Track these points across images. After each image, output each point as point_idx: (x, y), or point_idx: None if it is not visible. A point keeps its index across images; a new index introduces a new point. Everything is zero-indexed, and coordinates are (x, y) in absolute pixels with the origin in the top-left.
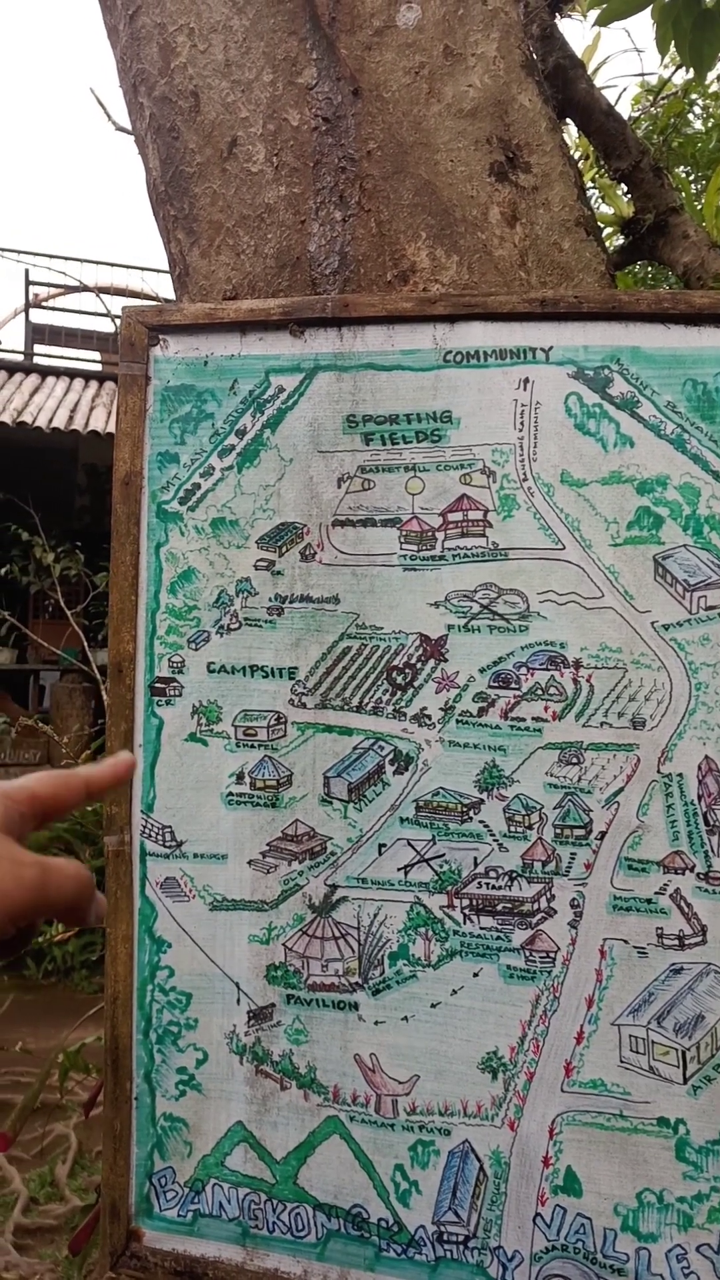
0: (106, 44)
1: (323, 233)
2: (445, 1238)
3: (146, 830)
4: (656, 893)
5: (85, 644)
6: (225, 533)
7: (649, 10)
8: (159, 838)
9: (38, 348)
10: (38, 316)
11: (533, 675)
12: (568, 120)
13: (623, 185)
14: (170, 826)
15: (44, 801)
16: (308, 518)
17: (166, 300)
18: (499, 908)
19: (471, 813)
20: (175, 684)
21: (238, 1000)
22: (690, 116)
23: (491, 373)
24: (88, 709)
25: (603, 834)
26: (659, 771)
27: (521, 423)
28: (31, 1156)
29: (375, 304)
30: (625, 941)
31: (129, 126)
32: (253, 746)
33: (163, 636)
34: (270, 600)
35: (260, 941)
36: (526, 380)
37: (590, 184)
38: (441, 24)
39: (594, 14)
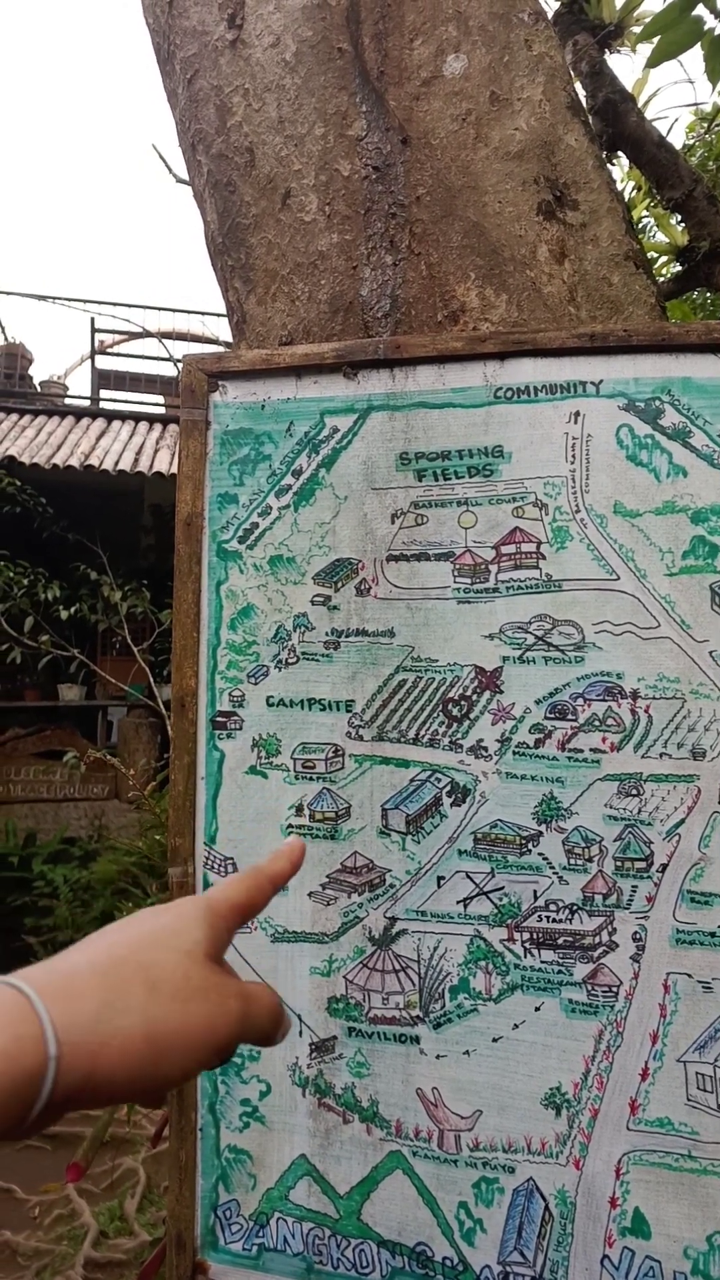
0: (166, 106)
1: (374, 277)
2: (511, 1279)
3: (209, 862)
4: None
5: (151, 679)
6: (283, 569)
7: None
8: (221, 869)
9: (103, 393)
10: (103, 362)
11: (590, 706)
12: (619, 153)
13: (676, 214)
14: (232, 858)
15: (246, 910)
16: (362, 553)
17: (225, 343)
18: (560, 941)
19: (530, 845)
20: (236, 718)
21: (300, 1032)
22: None
23: (542, 407)
24: (154, 743)
25: (664, 866)
26: None
27: (573, 455)
28: (101, 1190)
29: (426, 344)
30: (689, 976)
31: (188, 179)
32: (311, 779)
33: (223, 671)
34: (327, 634)
35: (321, 974)
36: (577, 413)
37: (644, 214)
38: (487, 71)
39: (643, 49)
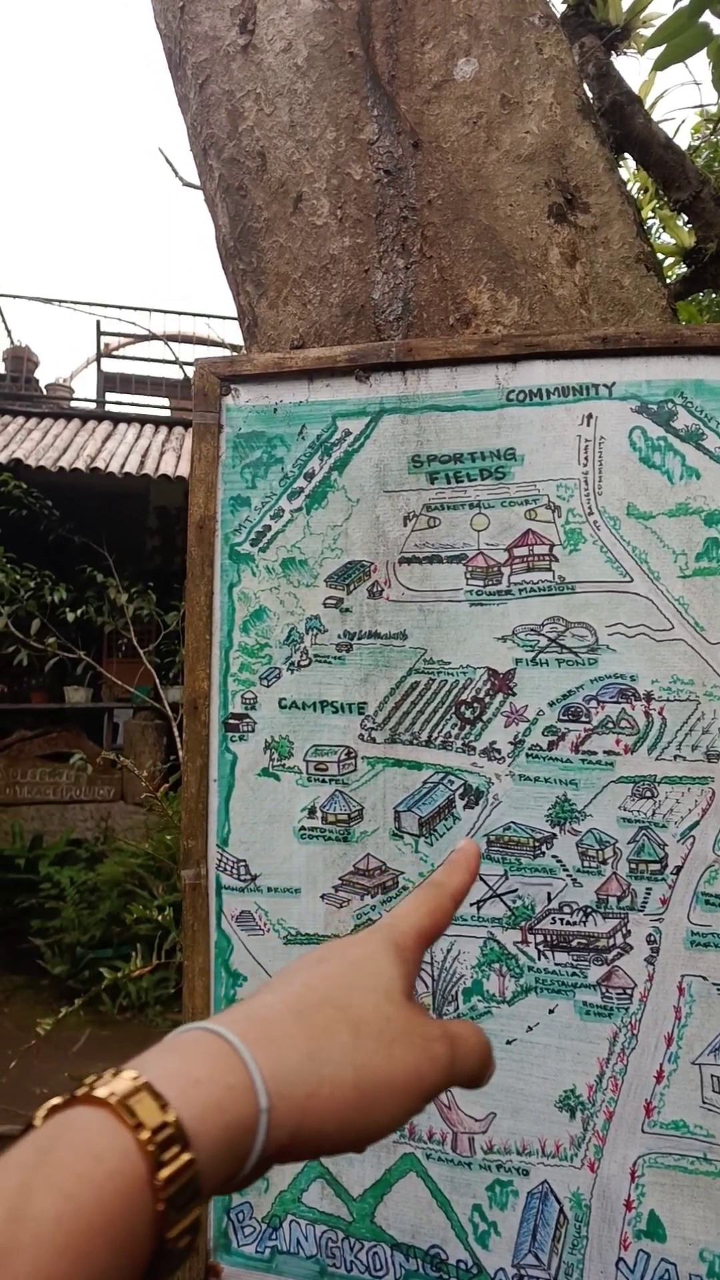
0: (173, 110)
1: (386, 280)
2: None
3: (222, 864)
4: None
5: (157, 681)
6: (295, 572)
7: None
8: (234, 871)
9: (109, 395)
10: (109, 365)
11: (603, 708)
12: (626, 155)
13: (683, 215)
14: (245, 860)
15: (431, 935)
16: (375, 556)
17: (232, 346)
18: (574, 943)
19: (544, 847)
20: (248, 720)
21: None
22: None
23: (554, 410)
24: (159, 745)
25: (678, 868)
26: None
27: (586, 458)
28: None
29: (438, 347)
30: (704, 978)
31: (197, 184)
32: (324, 781)
33: (236, 674)
34: (339, 637)
35: None
36: (590, 416)
37: (651, 215)
38: (498, 75)
39: (651, 52)
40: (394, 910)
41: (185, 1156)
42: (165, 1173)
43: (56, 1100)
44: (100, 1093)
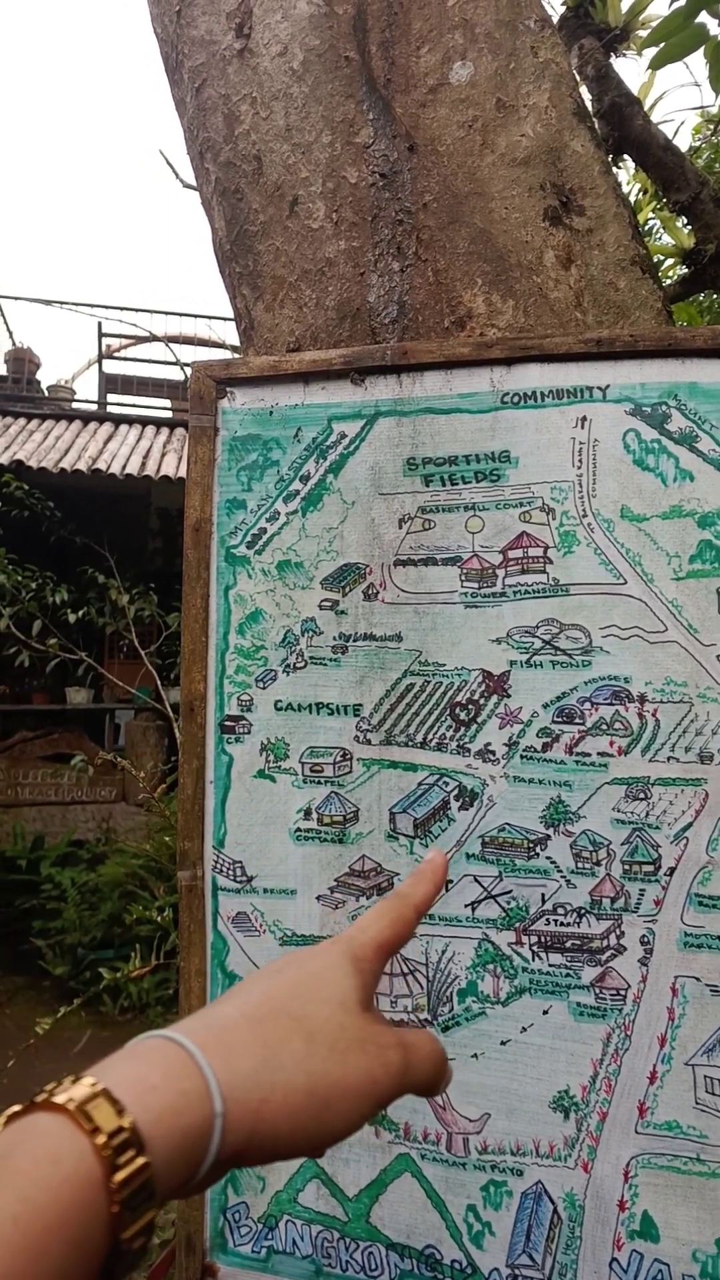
0: (173, 113)
1: (381, 284)
2: None
3: (218, 865)
4: None
5: (158, 682)
6: (290, 574)
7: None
8: (230, 873)
9: (110, 397)
10: (110, 367)
11: (597, 710)
12: (625, 157)
13: (683, 217)
14: (241, 862)
15: (392, 947)
16: (370, 558)
17: (232, 347)
18: (568, 945)
19: (538, 849)
20: (244, 722)
21: None
22: None
23: (549, 412)
24: (161, 746)
25: (672, 870)
26: None
27: (580, 460)
28: None
29: (433, 350)
30: (697, 979)
31: (196, 186)
32: (319, 783)
33: (232, 676)
34: (335, 639)
35: None
36: (584, 418)
37: (650, 216)
38: (493, 78)
39: (649, 53)
40: (357, 921)
41: (140, 1160)
42: (120, 1175)
43: (17, 1107)
44: (59, 1099)
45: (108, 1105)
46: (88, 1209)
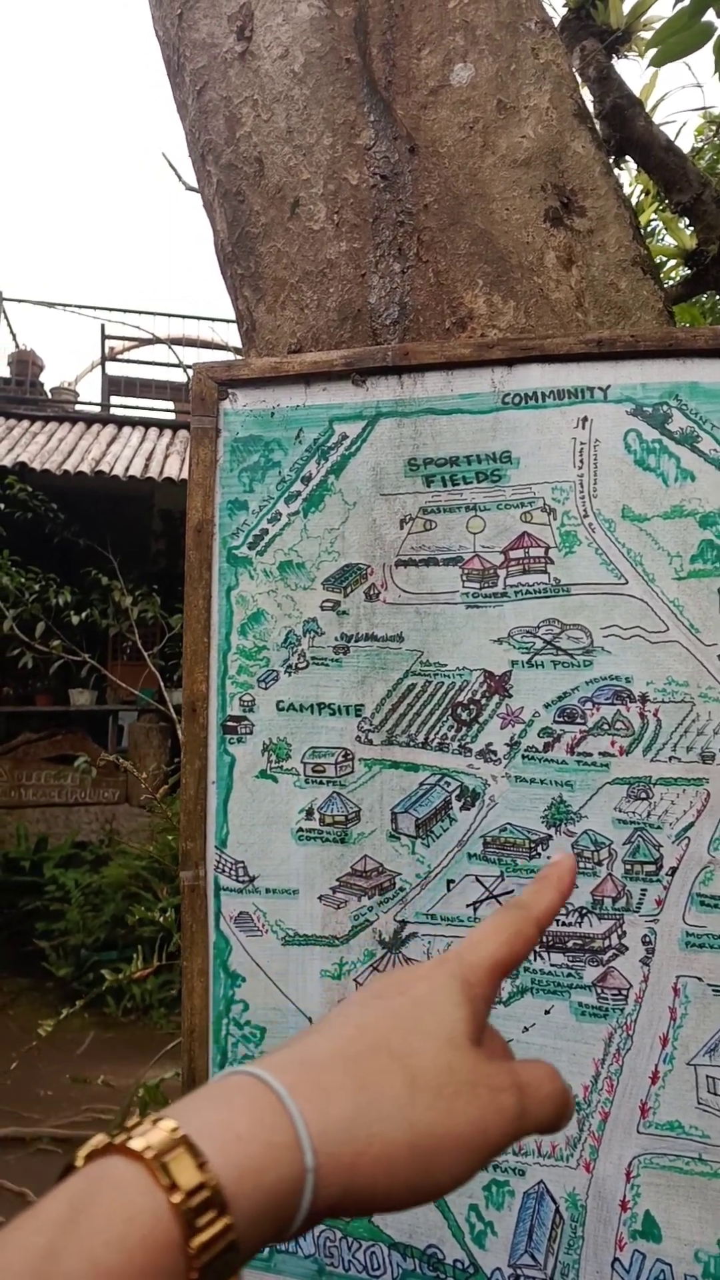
0: (175, 116)
1: (382, 285)
2: None
3: (220, 865)
4: None
5: (161, 684)
6: (292, 575)
7: (708, 46)
8: (232, 873)
9: (114, 399)
10: (113, 369)
11: (598, 710)
12: (627, 158)
13: (685, 218)
14: (243, 862)
15: (508, 966)
16: (371, 559)
17: (235, 349)
18: (569, 944)
19: (540, 849)
20: (246, 722)
21: None
22: None
23: (550, 413)
24: (164, 747)
25: (674, 870)
26: None
27: (581, 460)
28: None
29: (434, 351)
30: (699, 979)
31: (198, 188)
32: (321, 783)
33: (234, 676)
34: (336, 639)
35: (332, 977)
36: (585, 419)
37: (652, 218)
38: (494, 80)
39: (650, 53)
40: (470, 935)
41: (222, 1222)
42: (200, 1239)
43: (96, 1144)
44: (136, 1144)
45: (188, 1156)
46: (163, 1275)
